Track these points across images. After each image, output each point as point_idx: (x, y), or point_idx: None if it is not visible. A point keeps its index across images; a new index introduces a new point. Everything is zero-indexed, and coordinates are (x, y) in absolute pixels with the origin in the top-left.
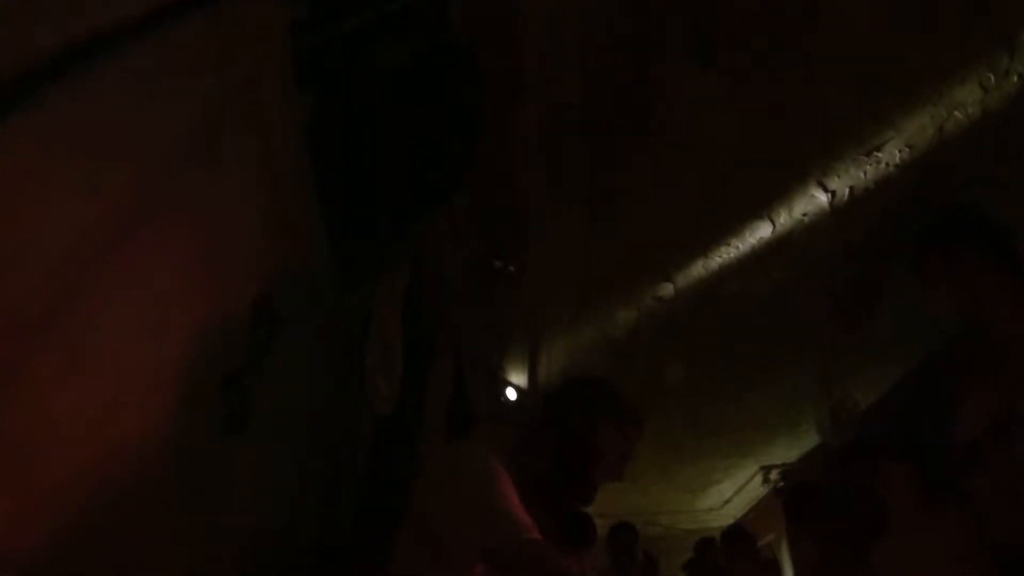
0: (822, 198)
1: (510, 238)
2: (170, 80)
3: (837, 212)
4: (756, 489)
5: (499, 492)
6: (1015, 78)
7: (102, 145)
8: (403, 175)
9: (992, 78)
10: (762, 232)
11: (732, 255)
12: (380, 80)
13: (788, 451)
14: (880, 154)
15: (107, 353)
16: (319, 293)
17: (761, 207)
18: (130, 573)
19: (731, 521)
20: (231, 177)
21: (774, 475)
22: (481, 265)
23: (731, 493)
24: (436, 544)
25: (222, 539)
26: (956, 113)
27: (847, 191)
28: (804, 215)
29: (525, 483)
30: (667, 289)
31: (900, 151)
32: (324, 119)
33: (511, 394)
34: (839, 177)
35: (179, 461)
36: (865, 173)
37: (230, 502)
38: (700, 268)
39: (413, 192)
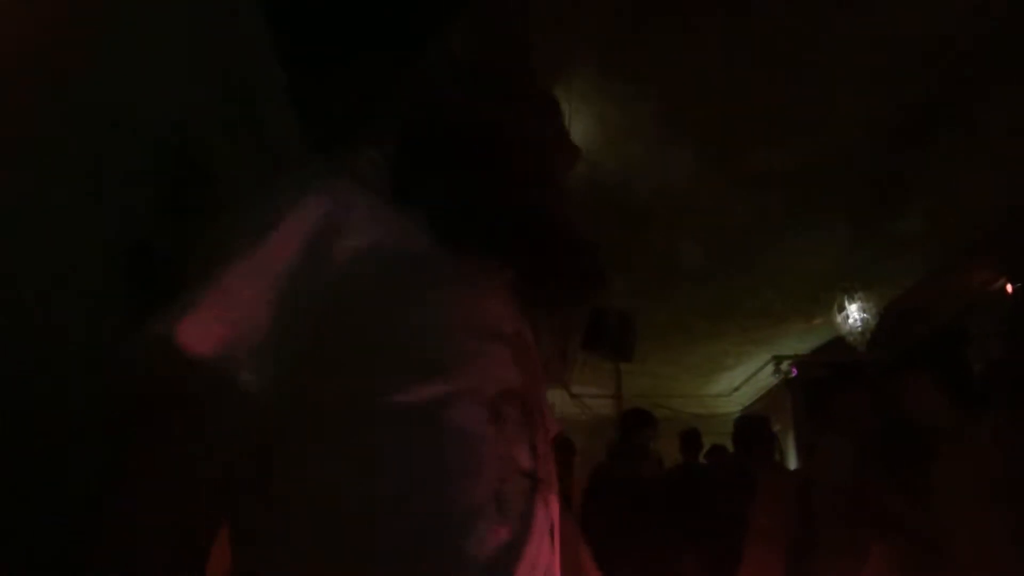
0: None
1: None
2: None
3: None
4: (767, 378)
5: None
6: None
7: None
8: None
9: None
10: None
11: (759, 126)
12: None
13: (800, 343)
14: None
15: None
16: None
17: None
18: None
19: (739, 408)
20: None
21: (785, 366)
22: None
23: (741, 380)
24: None
25: None
26: None
27: None
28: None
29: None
30: (685, 163)
31: None
32: None
33: None
34: None
35: None
36: None
37: None
38: (721, 139)
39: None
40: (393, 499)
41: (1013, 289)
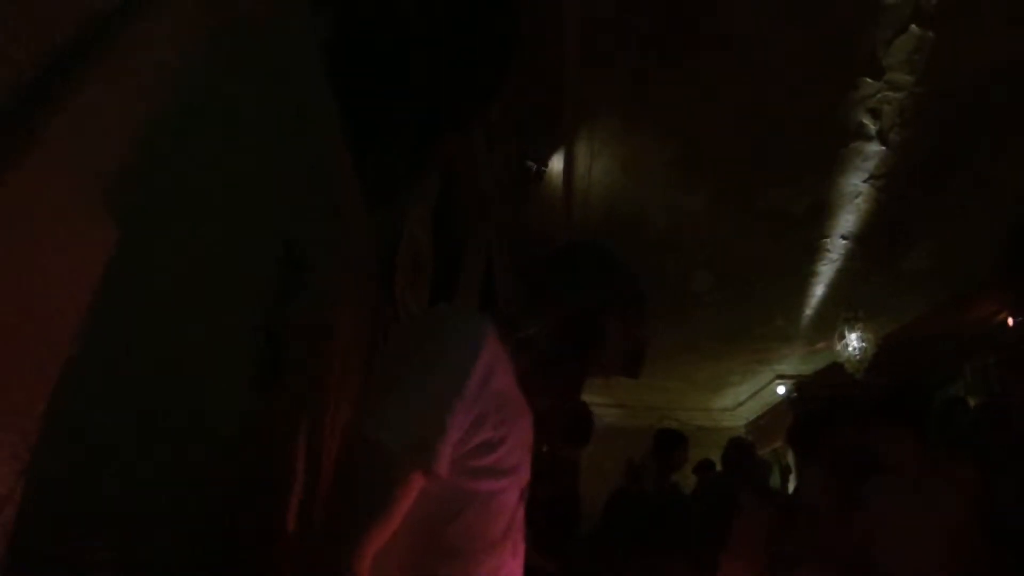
0: (871, 128)
1: (545, 139)
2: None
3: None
4: (771, 395)
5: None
6: None
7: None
8: (431, 89)
9: None
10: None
11: (770, 168)
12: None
13: (803, 364)
14: None
15: None
16: (343, 222)
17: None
18: None
19: (744, 422)
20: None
21: (789, 385)
22: (514, 166)
23: (746, 396)
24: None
25: None
26: None
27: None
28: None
29: (524, 361)
30: (700, 201)
31: None
32: (343, 36)
33: None
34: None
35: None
36: None
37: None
38: (736, 180)
39: (441, 106)
40: (462, 534)
41: (1015, 323)
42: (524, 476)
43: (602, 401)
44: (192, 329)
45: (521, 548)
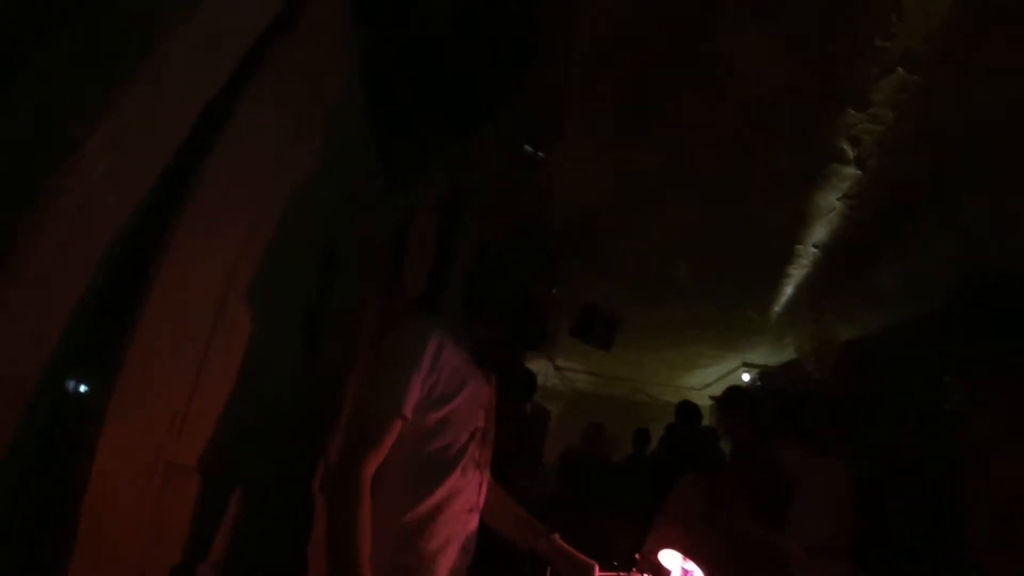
0: (850, 153)
1: (545, 137)
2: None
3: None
4: (736, 380)
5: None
6: None
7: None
8: (449, 101)
9: None
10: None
11: (753, 179)
12: (432, 15)
13: (770, 355)
14: None
15: None
16: (368, 209)
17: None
18: None
19: (709, 403)
20: (306, 143)
21: (754, 373)
22: (513, 151)
23: (713, 379)
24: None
25: None
26: None
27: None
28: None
29: (484, 343)
30: (684, 201)
31: None
32: (379, 52)
33: None
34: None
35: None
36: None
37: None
38: (720, 187)
39: (456, 116)
40: (425, 466)
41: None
42: (475, 422)
43: (578, 367)
44: (274, 312)
45: (472, 473)
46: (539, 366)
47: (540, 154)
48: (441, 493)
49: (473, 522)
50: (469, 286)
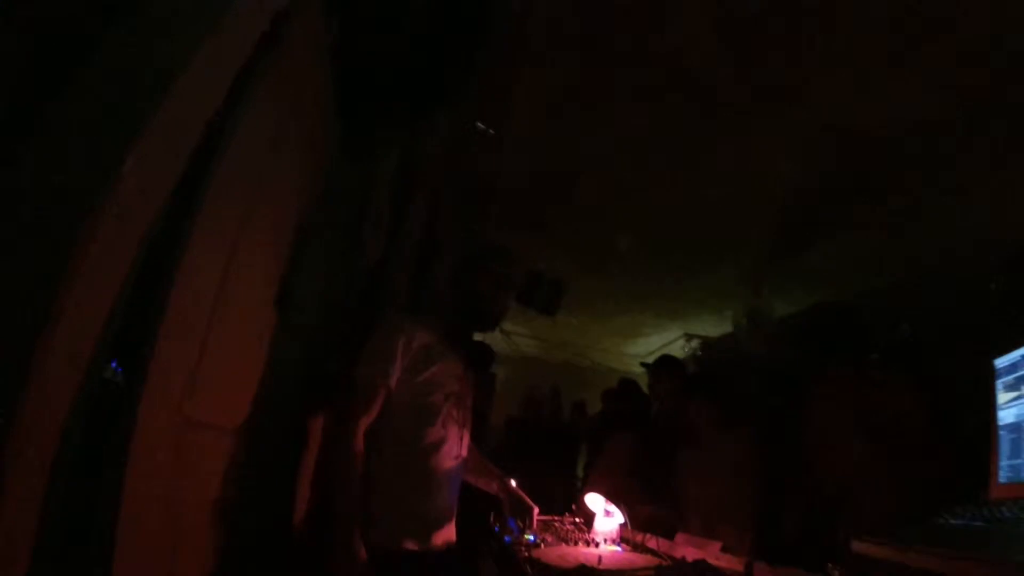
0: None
1: (496, 107)
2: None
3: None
4: (677, 349)
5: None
6: None
7: None
8: (406, 87)
9: None
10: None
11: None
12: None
13: (710, 327)
14: None
15: None
16: (332, 185)
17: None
18: None
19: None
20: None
21: (694, 343)
22: (464, 127)
23: (656, 347)
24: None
25: None
26: None
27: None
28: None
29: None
30: (632, 180)
31: None
32: (349, 42)
33: None
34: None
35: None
36: None
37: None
38: (670, 167)
39: (411, 100)
40: (419, 412)
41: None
42: (450, 386)
43: (524, 332)
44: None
45: (452, 427)
46: (493, 338)
47: (491, 131)
48: (431, 436)
49: (459, 469)
50: (415, 288)
